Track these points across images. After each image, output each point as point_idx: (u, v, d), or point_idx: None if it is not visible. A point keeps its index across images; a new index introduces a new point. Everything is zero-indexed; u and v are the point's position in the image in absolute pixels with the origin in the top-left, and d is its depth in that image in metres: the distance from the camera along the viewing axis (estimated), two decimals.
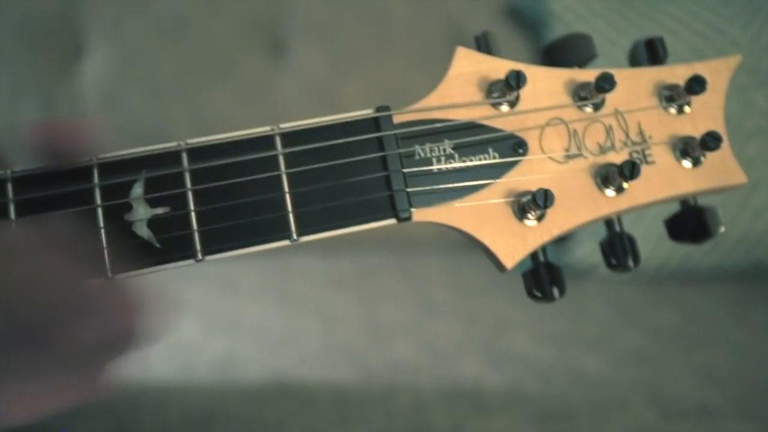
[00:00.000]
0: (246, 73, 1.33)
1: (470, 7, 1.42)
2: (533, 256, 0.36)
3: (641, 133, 0.36)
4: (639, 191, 0.36)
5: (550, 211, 0.35)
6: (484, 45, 0.37)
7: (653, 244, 0.95)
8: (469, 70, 0.36)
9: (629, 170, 0.34)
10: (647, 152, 0.36)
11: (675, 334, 0.91)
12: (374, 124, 0.35)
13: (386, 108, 0.35)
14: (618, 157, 0.36)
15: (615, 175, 0.35)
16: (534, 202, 0.34)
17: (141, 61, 1.31)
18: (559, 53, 0.37)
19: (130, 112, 1.29)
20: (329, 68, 1.35)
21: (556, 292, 0.36)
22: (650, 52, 0.38)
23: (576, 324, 0.93)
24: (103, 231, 0.34)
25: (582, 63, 0.37)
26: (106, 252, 0.34)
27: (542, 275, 0.36)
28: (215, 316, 1.02)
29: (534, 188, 0.35)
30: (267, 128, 0.35)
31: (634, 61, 0.38)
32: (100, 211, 0.34)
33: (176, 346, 0.95)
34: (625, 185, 0.35)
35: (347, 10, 1.39)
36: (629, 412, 0.74)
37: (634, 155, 0.36)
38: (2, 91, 1.30)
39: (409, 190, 0.34)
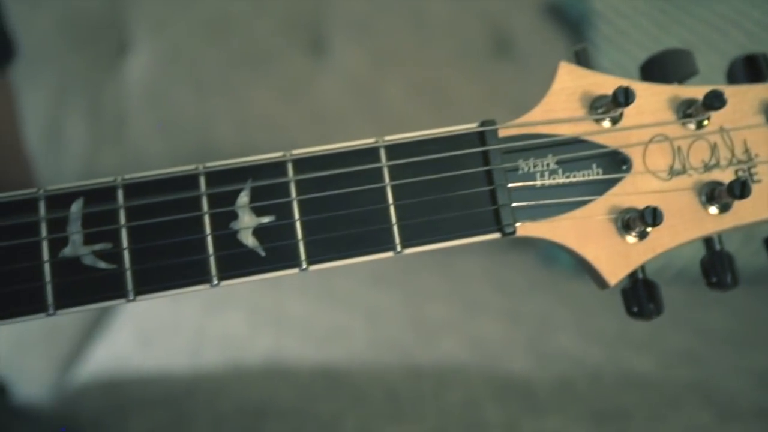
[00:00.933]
0: (287, 70, 1.33)
1: (510, 5, 1.41)
2: (632, 273, 0.36)
3: (747, 151, 0.36)
4: (745, 210, 0.35)
5: (653, 229, 0.35)
6: (583, 59, 0.37)
7: (699, 243, 0.94)
8: (571, 85, 0.36)
9: (739, 189, 0.34)
10: (753, 170, 0.36)
11: (726, 335, 0.90)
12: (479, 138, 0.35)
13: (492, 122, 0.35)
14: (723, 175, 0.36)
15: (721, 193, 0.35)
16: (642, 220, 0.34)
17: (184, 58, 1.32)
18: (658, 69, 0.37)
19: (174, 109, 1.30)
20: (369, 66, 1.35)
21: (653, 309, 0.36)
22: (750, 69, 0.37)
23: (623, 324, 0.93)
24: (209, 238, 0.35)
25: (682, 79, 0.37)
26: (212, 259, 0.34)
27: (641, 292, 0.36)
28: (261, 310, 1.03)
29: (637, 205, 0.35)
30: (371, 140, 0.35)
31: (732, 77, 0.38)
32: (206, 219, 0.35)
33: (225, 339, 0.96)
34: (731, 204, 0.35)
35: (387, 9, 1.39)
36: (684, 413, 0.74)
37: (740, 173, 0.36)
38: (50, 87, 1.31)
39: (513, 204, 0.34)
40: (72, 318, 1.13)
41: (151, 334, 1.00)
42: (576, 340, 0.87)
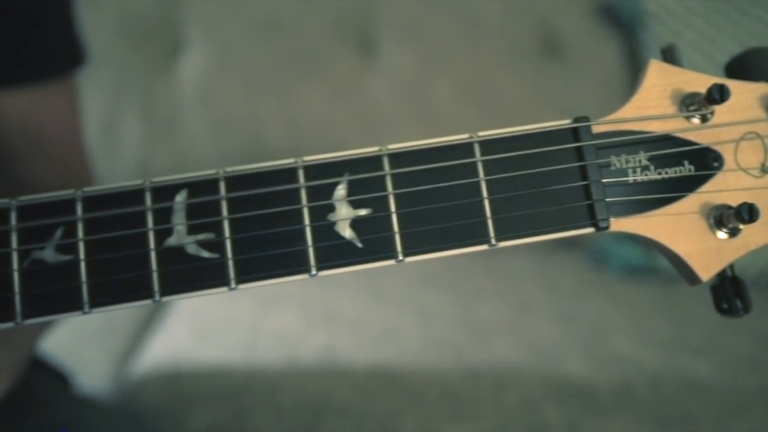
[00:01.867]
0: (336, 70, 1.35)
1: (562, 5, 1.41)
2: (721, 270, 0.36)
3: None
4: None
5: (745, 226, 0.35)
6: (670, 57, 0.38)
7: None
8: (662, 83, 0.37)
9: None
10: None
11: None
12: (572, 134, 0.36)
13: (585, 118, 0.36)
14: None
15: None
16: (737, 216, 0.34)
17: (236, 58, 1.34)
18: (745, 67, 0.37)
19: (225, 109, 1.33)
20: (418, 67, 1.36)
21: (742, 306, 0.36)
22: None
23: (679, 328, 0.92)
24: (308, 230, 0.36)
25: None
26: (311, 250, 0.36)
27: (729, 290, 0.36)
28: (312, 309, 1.04)
29: (729, 202, 0.35)
30: (465, 136, 0.36)
31: None
32: (305, 211, 0.36)
33: (279, 335, 0.98)
34: None
35: (437, 9, 1.39)
36: (750, 419, 0.73)
37: None
38: (107, 87, 1.35)
39: (607, 200, 0.35)
40: (127, 313, 1.16)
41: (206, 330, 1.02)
42: (632, 344, 0.87)
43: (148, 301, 0.36)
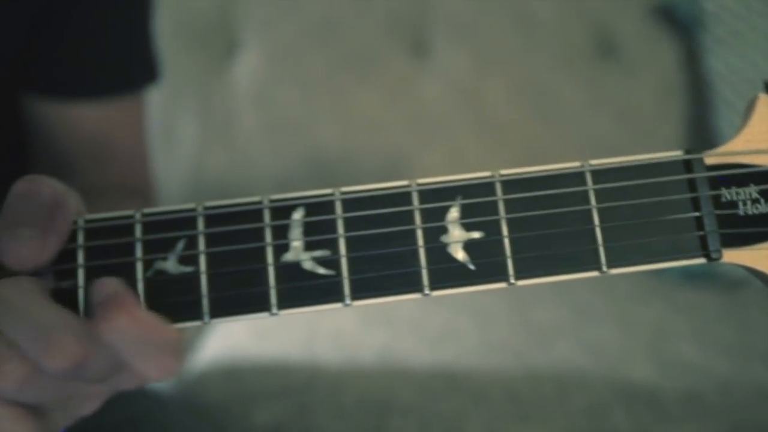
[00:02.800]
0: (390, 72, 1.36)
1: (618, 5, 1.40)
2: None
3: None
4: None
5: None
6: None
7: None
8: None
9: None
10: None
11: None
12: (685, 165, 0.36)
13: (697, 150, 0.36)
14: None
15: None
16: None
17: (291, 59, 1.36)
18: None
19: (280, 110, 1.34)
20: (472, 68, 1.36)
21: None
22: None
23: (743, 334, 0.92)
24: (421, 251, 0.37)
25: None
26: (424, 271, 0.37)
27: None
28: (369, 309, 1.05)
29: None
30: (577, 164, 0.37)
31: None
32: (419, 233, 0.37)
33: (337, 335, 0.99)
34: None
35: (490, 10, 1.40)
36: None
37: None
38: (165, 88, 1.37)
39: (720, 231, 0.36)
40: None
41: (264, 327, 1.04)
42: (697, 350, 0.87)
43: (264, 314, 0.38)
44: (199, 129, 1.35)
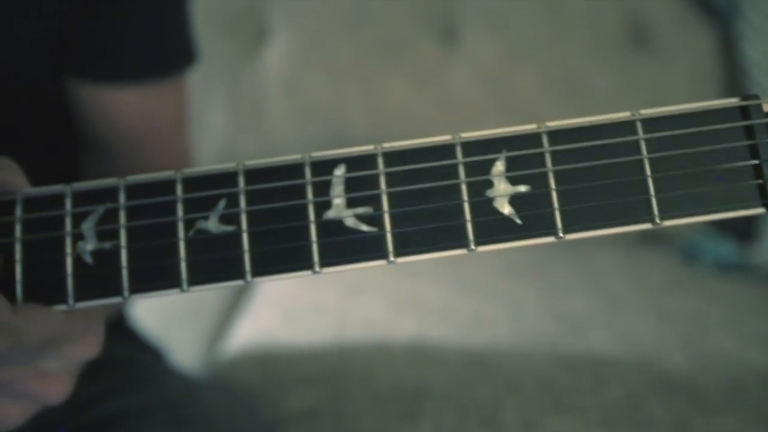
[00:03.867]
0: (419, 60, 1.35)
1: None
2: None
3: None
4: None
5: None
6: None
7: None
8: None
9: None
10: None
11: None
12: (741, 112, 0.35)
13: (755, 96, 0.35)
14: None
15: None
16: None
17: (320, 47, 1.36)
18: None
19: (309, 97, 1.34)
20: (502, 56, 1.35)
21: None
22: None
23: None
24: (466, 205, 0.36)
25: None
26: (469, 225, 0.36)
27: None
28: (397, 296, 1.05)
29: None
30: (627, 114, 0.36)
31: None
32: (463, 187, 0.36)
33: (367, 322, 0.99)
34: None
35: None
36: None
37: None
38: (193, 74, 1.38)
39: None
40: (214, 295, 1.19)
41: (293, 314, 1.04)
42: (734, 341, 0.85)
43: (307, 272, 0.37)
44: (229, 116, 1.36)
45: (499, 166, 0.36)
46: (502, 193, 0.36)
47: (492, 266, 1.13)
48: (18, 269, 0.39)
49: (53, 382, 0.38)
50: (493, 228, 0.36)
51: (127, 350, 0.74)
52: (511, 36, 1.36)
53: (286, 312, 1.05)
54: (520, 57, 1.35)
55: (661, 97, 1.30)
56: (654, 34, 1.33)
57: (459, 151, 0.37)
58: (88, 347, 0.39)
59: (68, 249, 0.38)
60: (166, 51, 0.68)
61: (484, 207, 0.36)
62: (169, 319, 1.15)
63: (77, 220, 0.39)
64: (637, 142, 0.35)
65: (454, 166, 0.37)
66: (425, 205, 0.37)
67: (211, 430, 0.65)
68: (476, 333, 0.92)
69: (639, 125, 0.35)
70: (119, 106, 0.66)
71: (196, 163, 1.30)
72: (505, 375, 0.80)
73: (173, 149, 0.71)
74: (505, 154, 0.36)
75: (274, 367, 0.91)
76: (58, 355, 0.38)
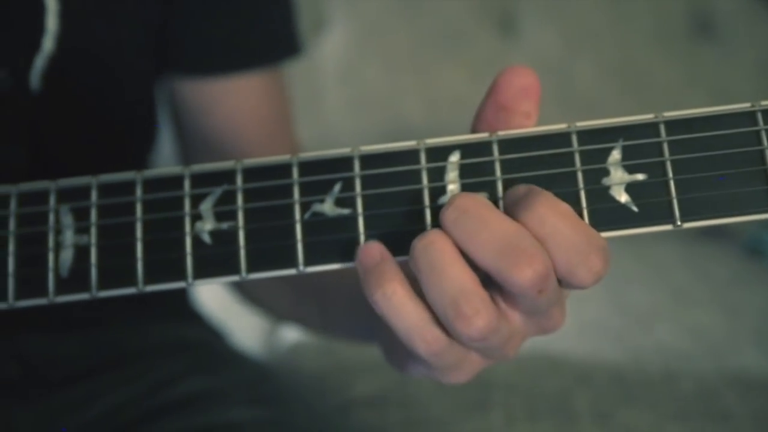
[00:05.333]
0: (477, 49, 1.35)
1: None
2: None
3: None
4: None
5: None
6: None
7: None
8: None
9: None
10: None
11: None
12: None
13: None
14: None
15: None
16: None
17: (377, 36, 1.36)
18: None
19: (365, 86, 1.35)
20: (560, 47, 1.34)
21: None
22: None
23: None
24: (582, 193, 0.37)
25: None
26: (585, 212, 0.36)
27: None
28: None
29: None
30: (747, 104, 0.36)
31: None
32: (579, 175, 0.37)
33: None
34: None
35: None
36: None
37: None
38: None
39: None
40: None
41: None
42: None
43: None
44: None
45: (616, 155, 0.37)
46: (619, 181, 0.36)
47: None
48: (139, 248, 0.40)
49: (564, 311, 0.39)
50: (609, 215, 0.36)
51: (198, 333, 0.75)
52: (570, 26, 1.35)
53: None
54: (579, 47, 1.34)
55: (725, 89, 1.28)
56: (718, 23, 1.31)
57: (575, 139, 0.37)
58: None
59: (187, 229, 0.40)
60: (270, 41, 0.67)
61: (599, 194, 0.36)
62: (229, 304, 1.16)
63: (195, 201, 0.40)
64: (757, 133, 0.35)
65: (569, 154, 0.37)
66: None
67: (287, 411, 0.66)
68: None
69: (759, 116, 0.35)
70: (223, 98, 0.65)
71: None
72: (572, 366, 0.80)
73: (279, 141, 0.69)
74: (621, 143, 0.37)
75: (335, 353, 0.92)
76: None
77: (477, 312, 0.33)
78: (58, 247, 0.41)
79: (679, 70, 1.29)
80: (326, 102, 1.37)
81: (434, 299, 0.34)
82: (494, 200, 0.37)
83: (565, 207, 0.35)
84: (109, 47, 0.60)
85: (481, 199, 0.35)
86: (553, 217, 0.34)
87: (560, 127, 0.37)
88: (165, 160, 0.77)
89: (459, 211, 0.34)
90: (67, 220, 0.41)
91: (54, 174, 0.43)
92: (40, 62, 0.54)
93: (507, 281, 0.33)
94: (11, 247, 0.41)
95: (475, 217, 0.34)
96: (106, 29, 0.59)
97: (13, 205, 0.41)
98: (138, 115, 0.66)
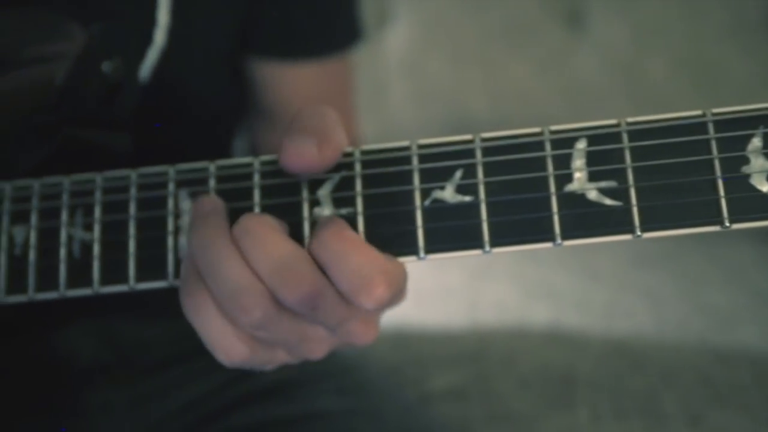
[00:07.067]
0: (544, 44, 1.33)
1: None
2: None
3: None
4: None
5: None
6: None
7: None
8: None
9: None
10: None
11: None
12: None
13: None
14: None
15: None
16: None
17: (442, 29, 1.35)
18: None
19: (430, 80, 1.34)
20: (630, 40, 1.31)
21: None
22: None
23: None
24: (719, 182, 0.35)
25: None
26: (723, 201, 0.35)
27: None
28: (526, 282, 1.04)
29: None
30: None
31: None
32: (716, 163, 0.36)
33: (499, 305, 0.98)
34: None
35: None
36: None
37: None
38: None
39: None
40: None
41: (422, 295, 1.04)
42: None
43: (547, 244, 0.37)
44: None
45: (756, 143, 0.35)
46: (759, 170, 0.35)
47: (620, 255, 1.10)
48: None
49: (371, 326, 0.40)
50: (748, 205, 0.35)
51: None
52: (641, 19, 1.32)
53: (414, 293, 1.05)
54: (649, 41, 1.31)
55: None
56: None
57: (711, 127, 0.36)
58: (402, 297, 0.41)
59: (305, 214, 0.40)
60: (337, 28, 0.69)
61: (739, 183, 0.35)
62: None
63: (313, 187, 0.40)
64: None
65: (704, 142, 0.36)
66: (672, 180, 0.36)
67: (375, 399, 0.66)
68: (616, 322, 0.90)
69: None
70: (292, 82, 0.68)
71: None
72: (656, 366, 0.78)
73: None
74: (762, 130, 0.35)
75: (409, 348, 0.92)
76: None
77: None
78: (178, 230, 0.41)
79: (755, 64, 1.25)
80: (390, 95, 1.36)
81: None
82: (624, 190, 0.36)
83: (351, 233, 0.37)
84: (208, 38, 0.61)
85: (267, 220, 0.38)
86: (336, 243, 0.36)
87: (695, 114, 0.36)
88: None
89: (242, 230, 0.37)
90: (186, 204, 0.41)
91: (153, 162, 0.43)
92: (152, 54, 0.55)
93: (279, 298, 0.36)
94: (131, 230, 0.42)
95: (255, 237, 0.36)
96: (206, 20, 0.60)
97: (133, 189, 0.42)
98: (228, 100, 0.68)
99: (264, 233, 0.37)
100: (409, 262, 0.39)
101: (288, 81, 0.68)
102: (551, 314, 0.94)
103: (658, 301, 0.95)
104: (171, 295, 0.43)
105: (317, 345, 0.39)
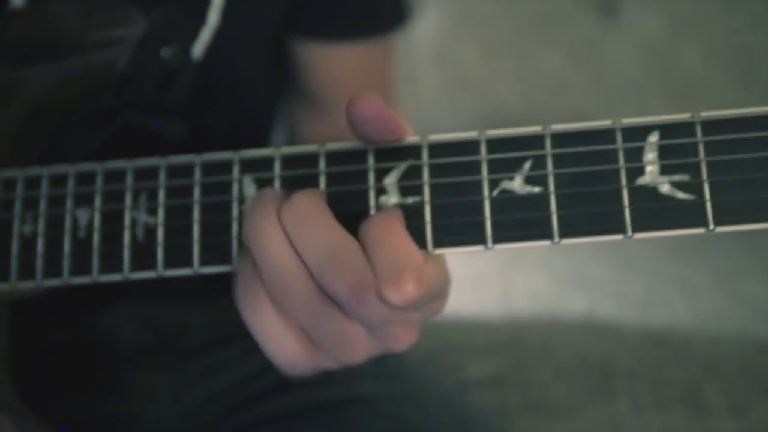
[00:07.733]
0: (576, 33, 1.31)
1: None
2: None
3: None
4: None
5: None
6: None
7: None
8: None
9: None
10: None
11: None
12: None
13: None
14: None
15: None
16: None
17: (473, 18, 1.34)
18: None
19: (461, 69, 1.33)
20: (664, 30, 1.30)
21: None
22: None
23: None
24: None
25: None
26: None
27: None
28: (560, 272, 1.04)
29: None
30: None
31: None
32: None
33: (533, 295, 0.98)
34: None
35: None
36: None
37: None
38: None
39: None
40: None
41: (455, 285, 1.04)
42: None
43: (618, 236, 0.37)
44: None
45: None
46: None
47: (654, 246, 1.10)
48: None
49: (411, 332, 0.39)
50: None
51: None
52: (674, 8, 1.30)
53: None
54: (683, 30, 1.29)
55: None
56: None
57: None
58: (443, 304, 0.41)
59: (371, 202, 0.40)
60: (384, 10, 0.69)
61: None
62: None
63: (379, 175, 0.40)
64: None
65: None
66: (747, 175, 0.36)
67: (416, 386, 0.66)
68: (653, 312, 0.90)
69: None
70: (334, 63, 0.68)
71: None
72: (696, 357, 0.78)
73: None
74: None
75: (443, 336, 0.92)
76: (427, 307, 0.39)
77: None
78: (242, 216, 0.41)
79: None
80: (421, 85, 1.36)
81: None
82: (697, 184, 0.36)
83: (398, 225, 0.37)
84: (259, 18, 0.61)
85: (318, 202, 0.37)
86: (379, 231, 0.36)
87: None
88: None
89: (291, 210, 0.36)
90: (251, 190, 0.41)
91: (198, 142, 0.44)
92: (205, 35, 0.55)
93: (324, 285, 0.35)
94: (196, 215, 0.42)
95: (304, 219, 0.36)
96: (258, 1, 0.60)
97: (197, 174, 0.42)
98: (273, 83, 0.68)
99: (314, 216, 0.36)
100: (476, 252, 0.39)
101: (332, 63, 0.68)
102: (586, 304, 0.94)
103: (694, 291, 0.95)
104: (210, 280, 0.43)
105: (357, 347, 0.38)
